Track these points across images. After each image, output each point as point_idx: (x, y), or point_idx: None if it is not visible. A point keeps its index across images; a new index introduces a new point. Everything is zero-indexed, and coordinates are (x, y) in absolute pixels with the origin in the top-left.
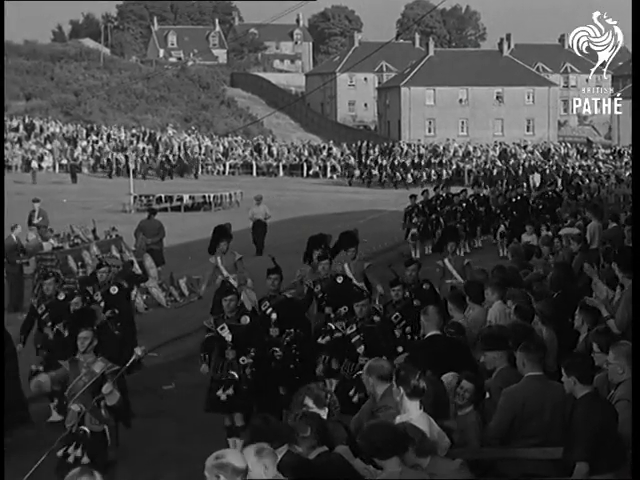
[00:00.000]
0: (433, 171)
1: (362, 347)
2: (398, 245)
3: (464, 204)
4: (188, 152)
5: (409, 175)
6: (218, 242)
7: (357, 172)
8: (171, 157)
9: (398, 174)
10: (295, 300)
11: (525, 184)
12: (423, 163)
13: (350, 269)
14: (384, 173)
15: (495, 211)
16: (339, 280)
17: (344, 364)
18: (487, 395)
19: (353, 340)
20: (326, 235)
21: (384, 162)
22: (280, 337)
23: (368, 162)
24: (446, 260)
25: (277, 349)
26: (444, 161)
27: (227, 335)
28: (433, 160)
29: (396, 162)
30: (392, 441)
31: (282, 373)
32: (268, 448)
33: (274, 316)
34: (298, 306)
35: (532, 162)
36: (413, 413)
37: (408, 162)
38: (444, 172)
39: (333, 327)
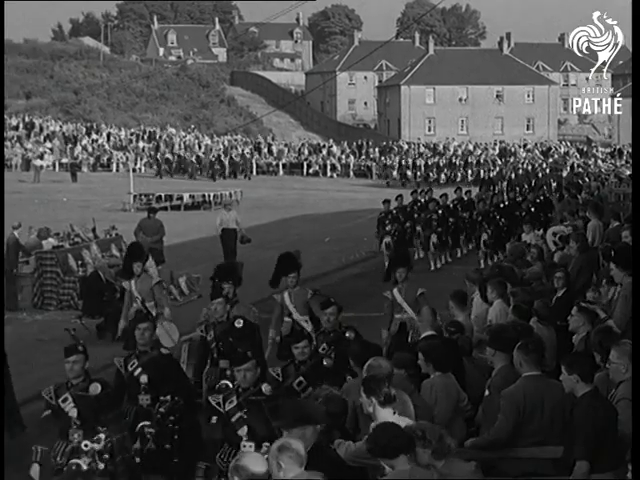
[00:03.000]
0: (470, 171)
1: (245, 429)
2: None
3: (440, 210)
4: (244, 153)
5: (442, 175)
6: (130, 264)
7: (395, 173)
8: (223, 158)
9: (431, 174)
10: (172, 357)
11: (519, 188)
12: (458, 163)
13: (290, 299)
14: (418, 173)
15: (477, 217)
16: (238, 325)
17: (221, 451)
18: (487, 393)
19: (233, 419)
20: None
21: (419, 162)
22: (152, 407)
23: (403, 162)
24: (395, 290)
25: (148, 423)
26: (482, 161)
27: (71, 410)
28: (470, 160)
29: (430, 162)
30: (398, 440)
31: (154, 457)
32: (294, 447)
33: (144, 379)
34: (177, 364)
35: (528, 163)
36: (387, 419)
37: (442, 162)
38: (481, 172)
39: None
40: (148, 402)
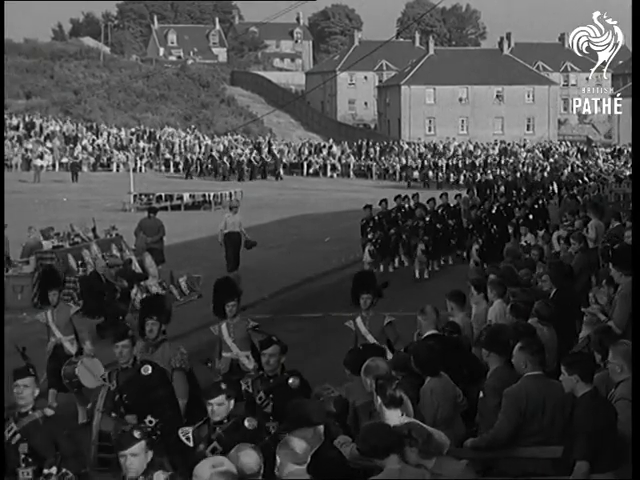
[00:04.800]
0: (490, 172)
1: None
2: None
3: (427, 217)
4: (275, 152)
5: (462, 176)
6: (46, 292)
7: (416, 173)
8: (252, 158)
9: (452, 175)
10: (59, 418)
11: (515, 192)
12: (478, 164)
13: (229, 331)
14: (439, 174)
15: (468, 225)
16: (145, 372)
17: None
18: (481, 394)
19: None
20: (161, 296)
21: (440, 163)
22: None
23: (424, 163)
24: (358, 319)
25: None
26: (503, 162)
27: None
28: (491, 160)
29: (450, 163)
30: (387, 440)
31: None
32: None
33: (24, 448)
34: (64, 428)
35: (527, 164)
36: (392, 421)
37: (461, 163)
38: (503, 174)
39: None
40: (30, 477)
